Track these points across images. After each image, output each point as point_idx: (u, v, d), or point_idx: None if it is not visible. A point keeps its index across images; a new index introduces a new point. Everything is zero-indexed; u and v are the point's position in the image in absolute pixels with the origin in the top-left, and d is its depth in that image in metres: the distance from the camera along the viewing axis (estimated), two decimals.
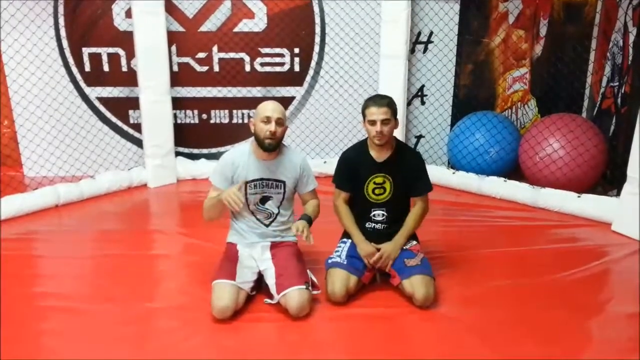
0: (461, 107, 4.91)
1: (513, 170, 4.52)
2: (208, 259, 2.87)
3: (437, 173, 4.45)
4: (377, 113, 2.51)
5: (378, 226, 2.72)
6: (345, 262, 2.62)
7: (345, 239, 2.78)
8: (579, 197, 3.83)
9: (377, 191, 2.66)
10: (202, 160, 4.82)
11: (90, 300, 2.63)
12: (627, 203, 3.46)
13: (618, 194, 3.67)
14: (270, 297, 2.51)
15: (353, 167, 2.68)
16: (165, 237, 3.50)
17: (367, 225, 2.72)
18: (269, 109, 2.48)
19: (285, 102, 4.87)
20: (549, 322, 2.45)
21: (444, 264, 3.00)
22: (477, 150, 4.46)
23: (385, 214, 2.70)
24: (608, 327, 2.45)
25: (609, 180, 4.22)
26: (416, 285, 2.51)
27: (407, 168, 2.66)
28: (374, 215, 2.71)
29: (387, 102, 2.54)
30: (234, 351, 2.23)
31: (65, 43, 4.50)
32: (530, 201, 4.04)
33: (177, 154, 4.74)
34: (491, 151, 4.46)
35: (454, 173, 4.49)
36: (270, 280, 2.52)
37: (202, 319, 2.41)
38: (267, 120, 2.45)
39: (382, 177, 2.64)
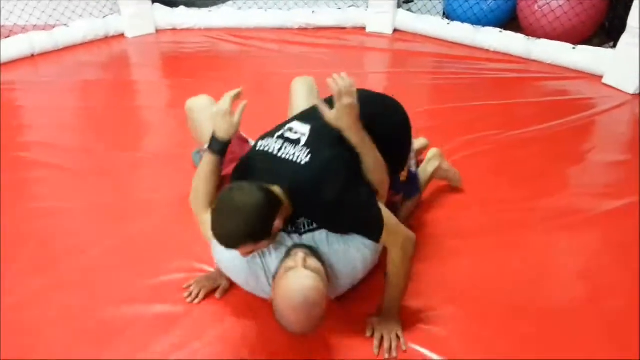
0: None
1: (510, 21, 4.30)
2: None
3: (431, 25, 4.23)
4: None
5: None
6: None
7: None
8: (574, 48, 3.71)
9: None
10: (182, 7, 4.51)
11: (75, 150, 2.63)
12: (623, 54, 3.36)
13: (614, 46, 3.54)
14: None
15: None
16: (149, 88, 3.40)
17: None
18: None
19: None
20: (530, 170, 2.51)
21: (429, 116, 2.98)
22: None
23: None
24: (586, 174, 2.53)
25: (607, 32, 4.06)
26: None
27: None
28: None
29: None
30: None
31: None
32: (524, 53, 3.90)
33: (154, 0, 4.43)
34: None
35: (448, 24, 4.27)
36: None
37: (189, 168, 2.39)
38: None
39: None
